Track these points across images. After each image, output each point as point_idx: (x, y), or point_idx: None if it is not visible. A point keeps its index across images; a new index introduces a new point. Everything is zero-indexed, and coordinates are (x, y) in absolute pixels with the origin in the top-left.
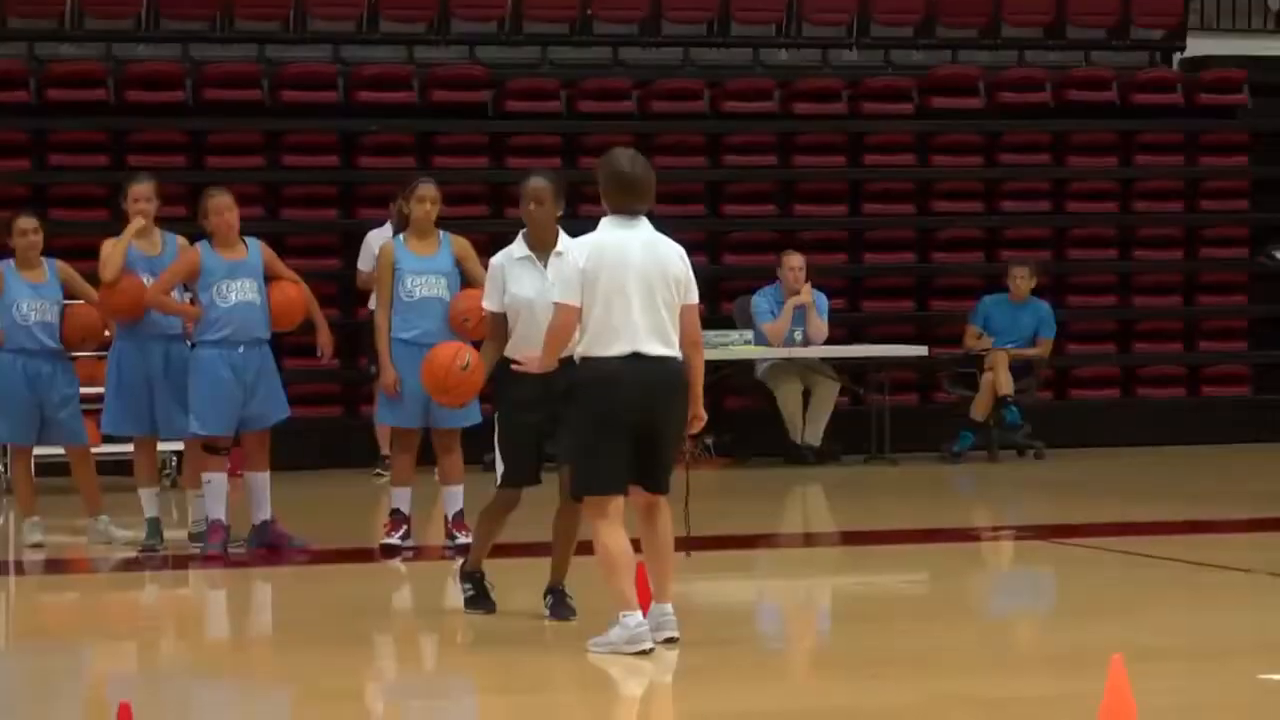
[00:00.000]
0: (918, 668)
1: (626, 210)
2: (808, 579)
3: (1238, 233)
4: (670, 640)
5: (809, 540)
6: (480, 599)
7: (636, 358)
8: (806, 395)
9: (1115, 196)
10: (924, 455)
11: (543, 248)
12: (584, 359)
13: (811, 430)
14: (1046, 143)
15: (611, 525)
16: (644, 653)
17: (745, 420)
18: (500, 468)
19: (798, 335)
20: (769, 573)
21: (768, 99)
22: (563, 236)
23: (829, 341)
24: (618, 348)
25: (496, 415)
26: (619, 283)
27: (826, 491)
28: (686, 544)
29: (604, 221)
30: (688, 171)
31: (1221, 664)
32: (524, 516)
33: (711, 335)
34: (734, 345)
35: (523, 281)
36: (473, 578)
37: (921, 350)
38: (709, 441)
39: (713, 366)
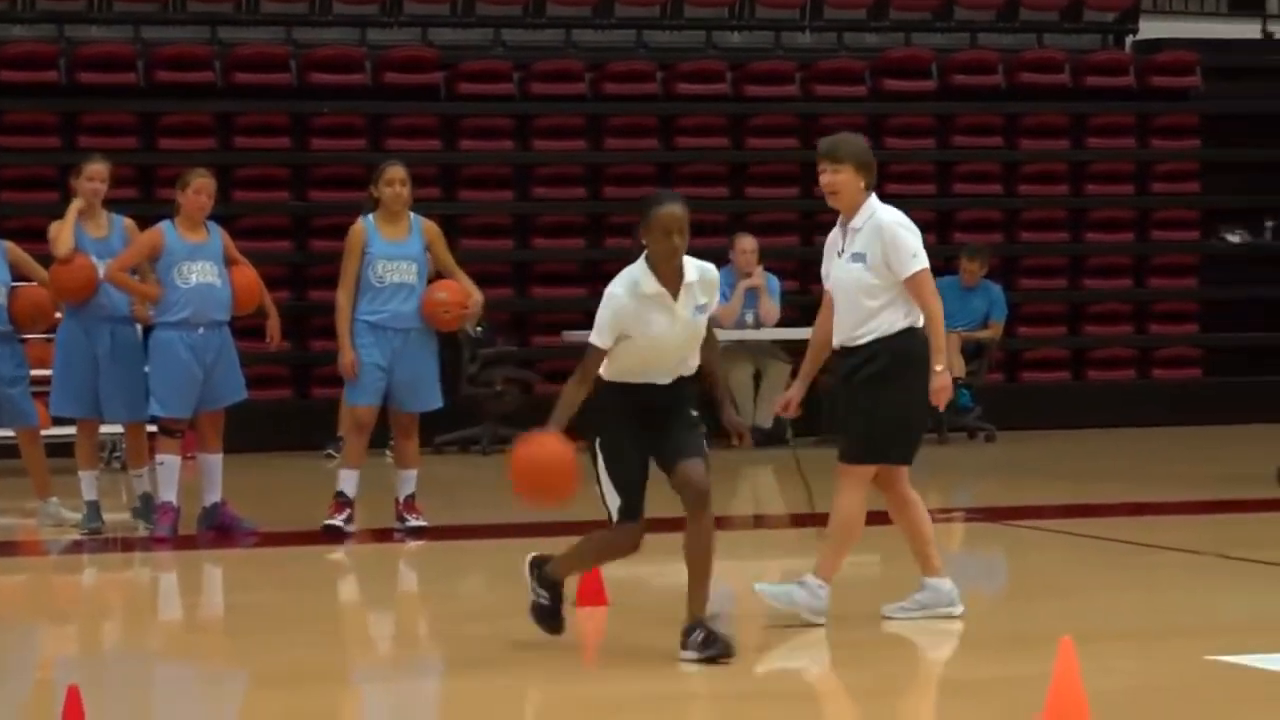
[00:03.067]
0: (869, 649)
1: None
2: (758, 561)
3: (1189, 215)
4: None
5: (759, 522)
6: (551, 614)
7: None
8: (758, 377)
9: (1067, 179)
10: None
11: (673, 282)
12: (912, 328)
13: (763, 412)
14: (999, 125)
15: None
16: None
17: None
18: (614, 500)
19: (749, 317)
20: (719, 554)
21: (720, 81)
22: (690, 261)
23: (781, 324)
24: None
25: (597, 443)
26: None
27: (777, 473)
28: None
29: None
30: (640, 154)
31: (1170, 645)
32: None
33: None
34: None
35: (653, 322)
36: (553, 587)
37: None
38: None
39: None
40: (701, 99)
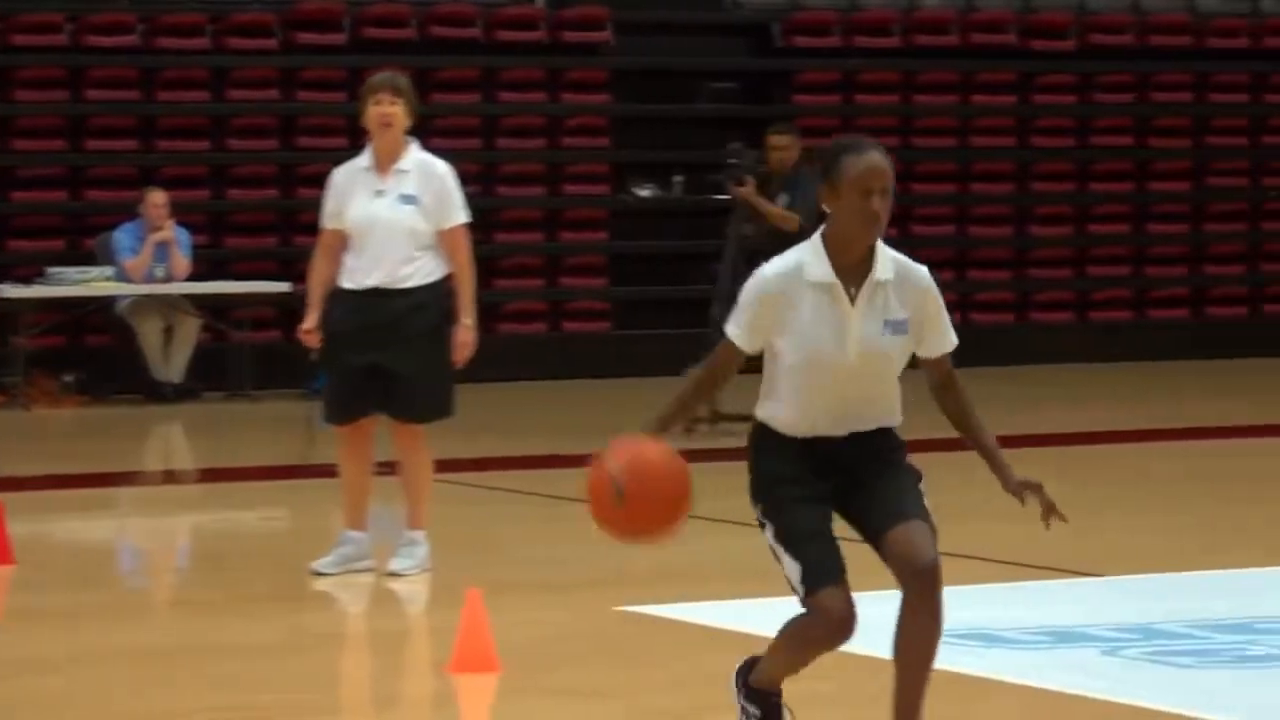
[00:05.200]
0: (276, 603)
1: None
2: (169, 517)
3: (599, 170)
4: None
5: (170, 478)
6: None
7: None
8: (168, 332)
9: (479, 133)
10: (286, 392)
11: (855, 274)
12: (448, 278)
13: (173, 367)
14: (416, 76)
15: None
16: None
17: (105, 357)
18: (793, 569)
19: (159, 271)
20: (130, 511)
21: (130, 33)
22: (888, 253)
23: (191, 278)
24: None
25: (762, 509)
26: None
27: (187, 429)
28: None
29: None
30: (47, 105)
31: (580, 596)
32: None
33: (72, 272)
34: (94, 281)
35: (812, 327)
36: (764, 698)
37: (284, 287)
38: (68, 379)
39: (73, 303)
40: (112, 51)
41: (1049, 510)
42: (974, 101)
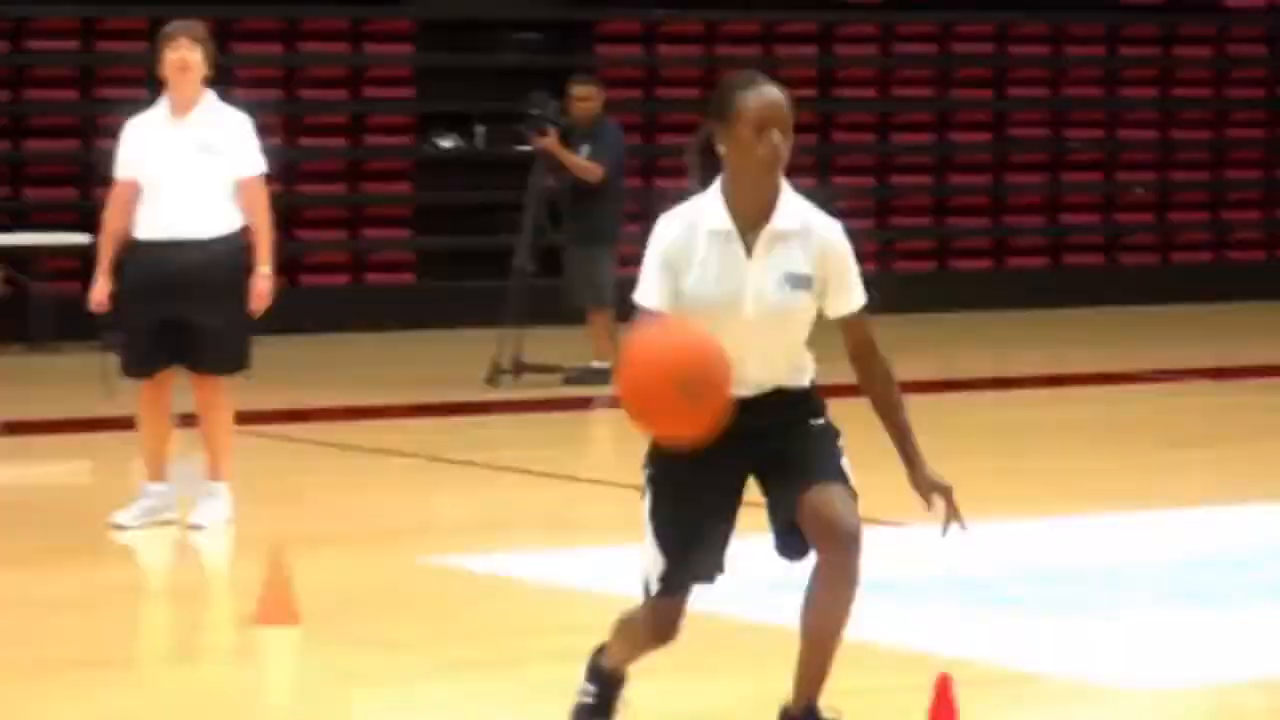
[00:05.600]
0: (76, 556)
1: None
2: None
3: (402, 121)
4: None
5: None
6: (593, 712)
7: None
8: None
9: (282, 84)
10: (88, 344)
11: (754, 221)
12: (245, 229)
13: None
14: (217, 26)
15: None
16: None
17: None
18: (655, 563)
19: None
20: None
21: None
22: (794, 201)
23: None
24: None
25: (647, 475)
26: None
27: None
28: None
29: None
30: None
31: (383, 548)
32: None
33: None
34: None
35: (708, 276)
36: (603, 678)
37: (84, 239)
38: None
39: None
40: None
41: (952, 518)
42: (776, 53)
